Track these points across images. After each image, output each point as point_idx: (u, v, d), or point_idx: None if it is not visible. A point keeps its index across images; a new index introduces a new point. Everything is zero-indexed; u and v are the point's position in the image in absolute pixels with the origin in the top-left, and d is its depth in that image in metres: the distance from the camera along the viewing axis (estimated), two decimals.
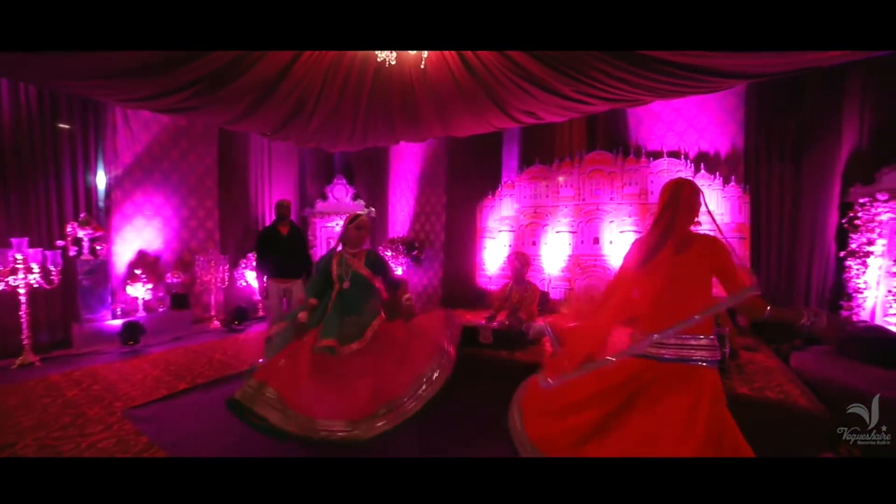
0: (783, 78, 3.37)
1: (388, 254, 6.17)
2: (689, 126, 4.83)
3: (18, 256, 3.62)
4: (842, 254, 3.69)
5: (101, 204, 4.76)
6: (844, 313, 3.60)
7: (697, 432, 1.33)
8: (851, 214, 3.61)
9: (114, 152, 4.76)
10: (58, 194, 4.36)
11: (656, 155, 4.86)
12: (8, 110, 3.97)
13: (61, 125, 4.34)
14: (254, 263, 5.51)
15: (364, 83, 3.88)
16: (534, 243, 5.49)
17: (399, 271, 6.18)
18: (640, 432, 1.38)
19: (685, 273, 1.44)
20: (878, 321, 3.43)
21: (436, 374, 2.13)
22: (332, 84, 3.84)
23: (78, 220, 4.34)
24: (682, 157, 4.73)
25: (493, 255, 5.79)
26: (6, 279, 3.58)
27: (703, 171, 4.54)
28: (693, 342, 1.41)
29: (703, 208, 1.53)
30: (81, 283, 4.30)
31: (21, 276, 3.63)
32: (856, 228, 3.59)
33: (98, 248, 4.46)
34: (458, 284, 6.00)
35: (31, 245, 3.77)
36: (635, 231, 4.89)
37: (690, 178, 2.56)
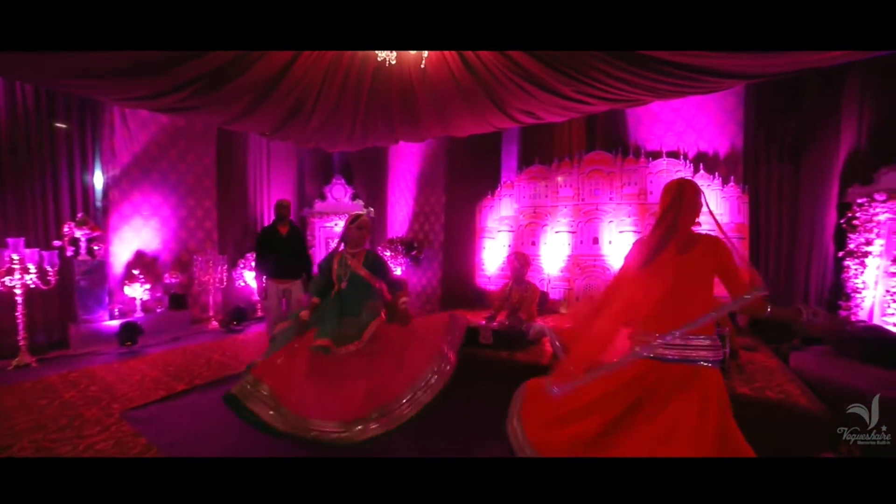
0: (782, 78, 3.38)
1: (388, 254, 6.16)
2: (688, 126, 4.84)
3: (15, 257, 3.59)
4: (840, 254, 3.70)
5: (98, 204, 4.73)
6: (843, 313, 3.61)
7: (710, 433, 1.32)
8: (850, 215, 3.61)
9: (111, 152, 4.74)
10: (55, 194, 4.33)
11: (655, 155, 4.86)
12: (4, 109, 3.94)
13: (58, 124, 4.31)
14: (252, 264, 5.51)
15: (363, 82, 3.87)
16: (533, 243, 5.49)
17: (398, 271, 6.18)
18: (651, 436, 1.36)
19: (689, 273, 1.44)
20: (877, 321, 3.44)
21: (433, 380, 2.10)
22: (331, 83, 3.83)
23: (75, 219, 4.32)
24: (682, 157, 4.74)
25: (493, 255, 5.79)
26: (2, 279, 3.56)
27: (702, 172, 4.55)
28: (697, 342, 1.40)
29: (704, 208, 1.53)
30: (79, 283, 4.28)
31: (17, 276, 3.61)
32: (854, 228, 3.59)
33: (95, 248, 4.43)
34: (458, 285, 5.99)
35: (28, 245, 3.75)
36: (634, 231, 4.90)
37: (692, 179, 2.56)
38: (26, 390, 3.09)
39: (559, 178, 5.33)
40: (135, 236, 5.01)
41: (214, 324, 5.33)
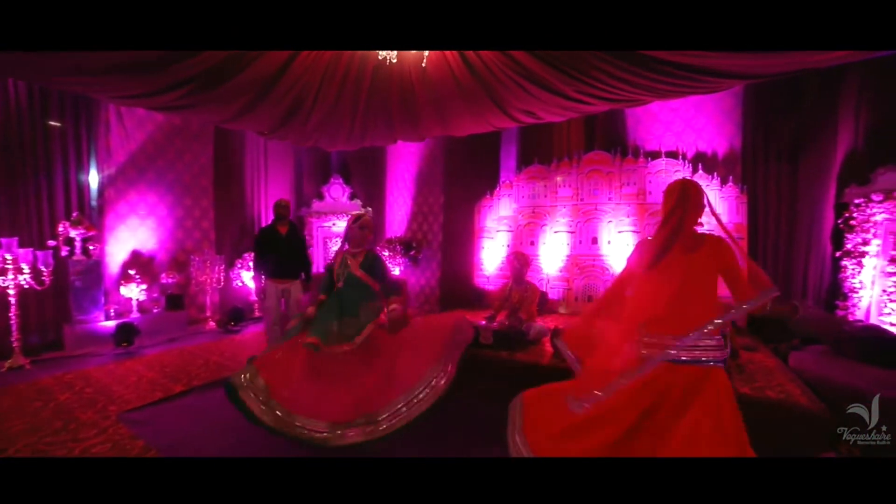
0: (781, 79, 3.39)
1: (386, 254, 6.14)
2: (686, 126, 4.85)
3: (8, 256, 3.54)
4: (837, 254, 3.73)
5: (93, 203, 4.68)
6: (840, 313, 3.64)
7: (732, 433, 1.31)
8: (847, 215, 3.64)
9: (107, 150, 4.68)
10: (49, 193, 4.27)
11: (654, 155, 4.88)
12: None
13: (52, 123, 4.25)
14: (250, 263, 5.47)
15: (363, 81, 3.85)
16: (532, 243, 5.48)
17: (396, 271, 6.15)
18: (671, 449, 1.32)
19: (696, 273, 1.44)
20: (873, 320, 3.46)
21: (422, 395, 2.03)
22: (330, 81, 3.80)
23: (70, 219, 4.26)
24: (680, 157, 4.76)
25: (492, 255, 5.78)
26: None
27: (700, 172, 4.57)
28: (706, 342, 1.40)
29: (706, 209, 1.54)
30: (74, 283, 4.22)
31: (10, 276, 3.56)
32: (851, 229, 3.62)
33: (91, 247, 4.38)
34: (456, 285, 5.98)
35: (22, 245, 3.69)
36: (633, 231, 4.91)
37: (693, 179, 2.56)
38: (20, 392, 3.04)
39: (558, 178, 5.34)
40: (131, 236, 4.96)
41: (211, 324, 5.29)
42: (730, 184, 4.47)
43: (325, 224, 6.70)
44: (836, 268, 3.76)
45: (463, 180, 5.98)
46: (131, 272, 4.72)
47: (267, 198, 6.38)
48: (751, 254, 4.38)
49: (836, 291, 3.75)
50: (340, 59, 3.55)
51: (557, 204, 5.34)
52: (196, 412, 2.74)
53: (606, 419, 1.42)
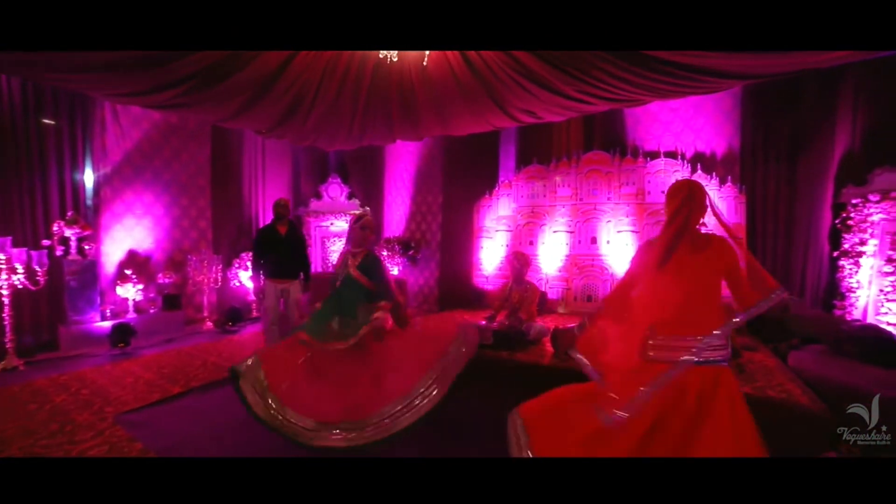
0: (781, 79, 3.41)
1: (385, 254, 6.11)
2: (685, 127, 4.87)
3: (1, 256, 3.49)
4: (835, 254, 3.75)
5: (89, 202, 4.62)
6: (837, 312, 3.66)
7: (749, 433, 1.30)
8: (844, 215, 3.66)
9: (102, 149, 4.63)
10: (43, 192, 4.22)
11: (653, 155, 4.89)
12: None
13: (46, 121, 4.20)
14: (248, 263, 5.43)
15: (363, 79, 3.83)
16: (531, 243, 5.48)
17: (395, 271, 6.13)
18: (702, 449, 1.29)
19: (704, 274, 1.43)
20: (870, 320, 3.49)
21: (406, 411, 1.97)
22: (330, 80, 3.78)
23: (65, 218, 4.21)
24: (679, 157, 4.77)
25: (490, 255, 5.77)
26: None
27: (699, 172, 4.58)
28: (715, 343, 1.39)
29: (708, 209, 1.54)
30: (69, 283, 4.17)
31: (4, 276, 3.51)
32: (848, 229, 3.64)
33: (86, 247, 4.33)
34: (455, 284, 5.97)
35: (16, 244, 3.64)
36: (632, 231, 4.92)
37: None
38: (14, 394, 2.99)
39: (557, 178, 5.34)
40: (127, 235, 4.91)
41: (209, 324, 5.25)
42: (728, 184, 4.49)
43: (323, 224, 6.67)
44: (834, 267, 3.79)
45: (462, 180, 5.97)
46: (127, 272, 4.67)
47: (265, 197, 6.33)
48: None
49: (834, 291, 3.77)
50: (340, 58, 3.53)
51: (556, 204, 5.35)
52: (195, 413, 2.72)
53: (615, 432, 1.38)
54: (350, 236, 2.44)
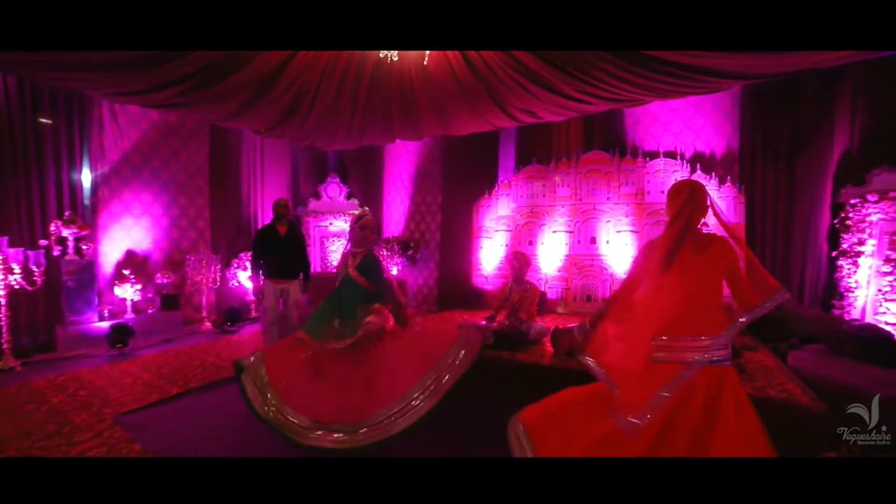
0: (781, 79, 3.41)
1: (384, 253, 6.10)
2: (685, 127, 4.88)
3: None
4: (833, 254, 3.76)
5: (86, 202, 4.60)
6: (836, 312, 3.67)
7: (757, 433, 1.30)
8: (843, 215, 3.67)
9: (100, 148, 4.60)
10: (41, 192, 4.19)
11: (653, 155, 4.89)
12: None
13: (43, 120, 4.17)
14: (247, 263, 5.41)
15: (363, 79, 3.82)
16: (530, 243, 5.48)
17: (394, 271, 6.13)
18: (713, 449, 1.28)
19: (708, 273, 1.43)
20: (869, 320, 3.50)
21: (401, 415, 1.94)
22: (329, 80, 3.77)
23: (62, 218, 4.18)
24: (679, 157, 4.78)
25: (490, 254, 5.77)
26: None
27: (699, 172, 4.59)
28: (719, 342, 1.39)
29: (709, 210, 1.54)
30: (66, 283, 4.15)
31: (0, 276, 3.48)
32: (847, 229, 3.65)
33: (84, 247, 4.30)
34: (454, 284, 5.97)
35: (12, 244, 3.62)
36: (632, 231, 4.92)
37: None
38: (10, 396, 2.97)
39: (557, 178, 5.34)
40: (125, 235, 4.88)
41: (207, 325, 5.23)
42: (727, 184, 4.49)
43: (322, 223, 6.65)
44: (833, 267, 3.80)
45: (461, 180, 5.96)
46: (125, 272, 4.65)
47: (263, 197, 6.31)
48: None
49: (833, 291, 3.78)
50: (340, 57, 3.52)
51: (556, 204, 5.35)
52: (194, 414, 2.70)
53: (620, 436, 1.35)
54: (351, 236, 2.44)
